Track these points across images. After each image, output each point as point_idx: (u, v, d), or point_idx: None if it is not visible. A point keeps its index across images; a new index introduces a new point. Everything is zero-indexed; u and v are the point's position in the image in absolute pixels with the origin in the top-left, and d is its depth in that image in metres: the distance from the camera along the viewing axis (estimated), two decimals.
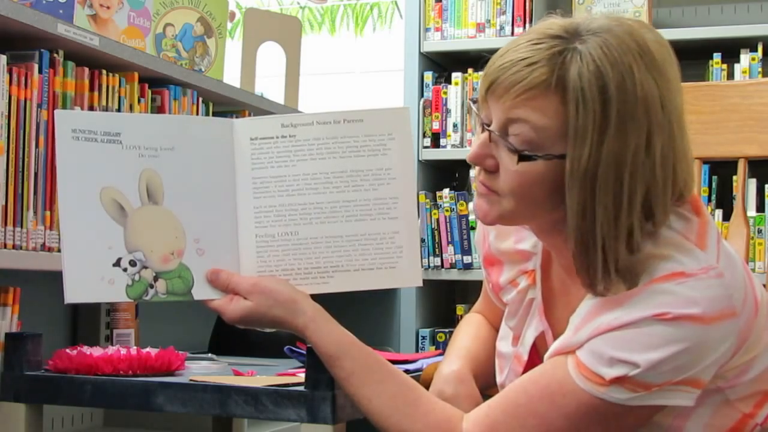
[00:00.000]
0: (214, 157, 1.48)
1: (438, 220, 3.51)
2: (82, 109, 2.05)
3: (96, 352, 1.71)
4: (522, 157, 1.26)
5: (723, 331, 1.23)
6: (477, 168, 1.33)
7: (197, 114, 2.47)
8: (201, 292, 1.47)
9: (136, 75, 2.24)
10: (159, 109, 2.35)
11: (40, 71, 1.95)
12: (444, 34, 3.61)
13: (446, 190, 3.53)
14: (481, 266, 1.55)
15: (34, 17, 1.94)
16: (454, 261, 3.49)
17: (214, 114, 2.59)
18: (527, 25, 3.52)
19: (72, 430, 2.39)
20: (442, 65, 3.72)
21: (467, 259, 3.48)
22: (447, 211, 3.50)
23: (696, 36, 3.37)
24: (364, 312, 3.42)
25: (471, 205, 3.42)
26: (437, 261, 3.50)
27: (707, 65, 3.41)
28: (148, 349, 1.74)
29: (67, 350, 1.71)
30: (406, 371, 1.58)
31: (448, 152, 3.56)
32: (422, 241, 3.50)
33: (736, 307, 1.24)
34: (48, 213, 1.96)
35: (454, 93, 3.58)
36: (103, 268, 1.43)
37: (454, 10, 3.61)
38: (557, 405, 1.27)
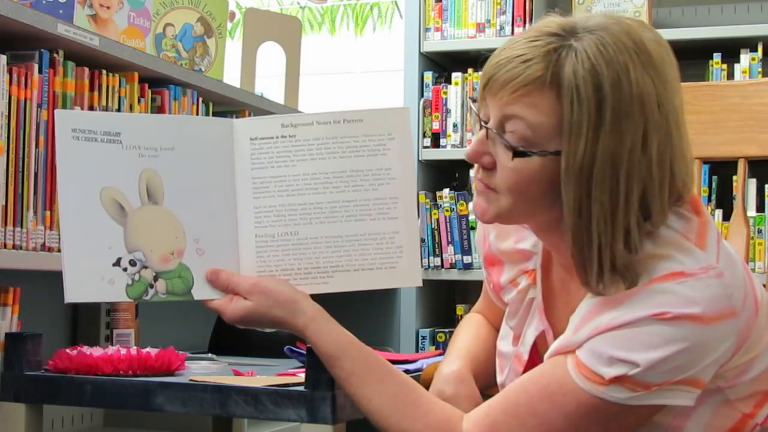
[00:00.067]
0: (214, 157, 1.48)
1: (438, 220, 3.51)
2: (82, 109, 2.05)
3: (96, 352, 1.71)
4: (517, 153, 1.27)
5: (723, 331, 1.23)
6: (476, 166, 1.34)
7: (197, 114, 2.47)
8: (201, 292, 1.47)
9: (136, 75, 2.24)
10: (159, 109, 2.35)
11: (40, 71, 1.95)
12: (444, 34, 3.61)
13: (446, 190, 3.53)
14: (482, 266, 1.55)
15: (34, 17, 1.94)
16: (454, 261, 3.49)
17: (214, 114, 2.59)
18: (527, 25, 3.51)
19: (72, 430, 2.39)
20: (442, 65, 3.72)
21: (467, 259, 3.48)
22: (447, 211, 3.50)
23: (696, 36, 3.37)
24: (364, 312, 3.42)
25: (471, 205, 3.42)
26: (437, 261, 3.50)
27: (707, 65, 3.41)
28: (148, 349, 1.74)
29: (67, 350, 1.71)
30: (406, 371, 1.58)
31: (448, 152, 3.56)
32: (422, 241, 3.50)
33: (735, 306, 1.24)
34: (48, 213, 1.96)
35: (454, 93, 3.58)
36: (103, 267, 1.43)
37: (454, 10, 3.61)
38: (557, 405, 1.27)
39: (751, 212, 3.25)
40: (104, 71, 2.13)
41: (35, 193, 1.94)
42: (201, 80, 2.49)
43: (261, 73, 2.93)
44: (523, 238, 1.46)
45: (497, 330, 1.56)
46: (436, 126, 3.58)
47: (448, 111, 3.58)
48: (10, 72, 1.88)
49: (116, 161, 1.44)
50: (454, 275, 3.51)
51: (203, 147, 1.48)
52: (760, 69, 3.33)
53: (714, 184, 3.33)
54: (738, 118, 1.80)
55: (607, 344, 1.23)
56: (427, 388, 1.46)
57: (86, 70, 2.08)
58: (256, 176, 1.48)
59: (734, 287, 1.25)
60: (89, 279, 1.42)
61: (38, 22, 1.94)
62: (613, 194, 1.24)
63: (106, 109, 2.12)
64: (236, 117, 2.58)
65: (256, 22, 2.94)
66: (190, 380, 1.61)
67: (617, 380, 1.22)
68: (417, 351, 3.46)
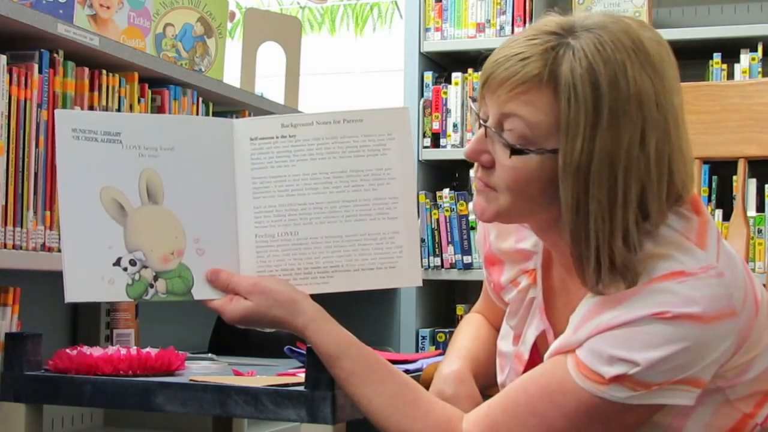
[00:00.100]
0: (214, 157, 1.48)
1: (438, 220, 3.51)
2: (82, 109, 2.05)
3: (96, 352, 1.71)
4: (514, 151, 1.27)
5: (723, 331, 1.23)
6: (475, 165, 1.34)
7: (197, 114, 2.47)
8: (201, 291, 1.47)
9: (136, 75, 2.24)
10: (159, 109, 2.35)
11: (40, 71, 1.95)
12: (444, 34, 3.61)
13: (446, 190, 3.53)
14: (482, 266, 1.55)
15: (34, 17, 1.94)
16: (454, 261, 3.49)
17: (214, 114, 2.59)
18: (527, 25, 3.52)
19: (72, 430, 2.38)
20: (442, 65, 3.72)
21: (467, 259, 3.48)
22: (447, 211, 3.50)
23: (696, 36, 3.37)
24: (364, 312, 3.42)
25: (471, 205, 3.42)
26: (437, 261, 3.50)
27: (707, 65, 3.41)
28: (148, 349, 1.74)
29: (67, 350, 1.71)
30: (406, 371, 1.58)
31: (448, 152, 3.56)
32: (422, 241, 3.50)
33: (736, 306, 1.24)
34: (48, 213, 1.96)
35: (454, 93, 3.58)
36: (104, 267, 1.43)
37: (454, 10, 3.61)
38: (557, 404, 1.27)
39: (751, 212, 3.25)
40: (104, 71, 2.13)
41: (35, 193, 1.94)
42: (201, 80, 2.49)
43: (261, 73, 2.93)
44: (524, 238, 1.46)
45: (497, 330, 1.56)
46: (436, 126, 3.58)
47: (448, 111, 3.58)
48: (10, 72, 1.88)
49: (116, 161, 1.44)
50: (454, 275, 3.51)
51: (203, 147, 1.48)
52: (760, 69, 3.33)
53: (714, 184, 3.33)
54: (738, 118, 1.80)
55: (607, 343, 1.23)
56: (427, 388, 1.46)
57: (86, 70, 2.09)
58: (256, 176, 1.48)
59: (734, 287, 1.25)
60: (89, 279, 1.42)
61: (38, 22, 1.94)
62: (610, 192, 1.24)
63: (106, 109, 2.12)
64: (236, 117, 2.58)
65: (256, 22, 2.94)
66: (190, 380, 1.61)
67: (617, 379, 1.22)
68: (417, 351, 3.46)
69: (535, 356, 1.42)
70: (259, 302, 1.43)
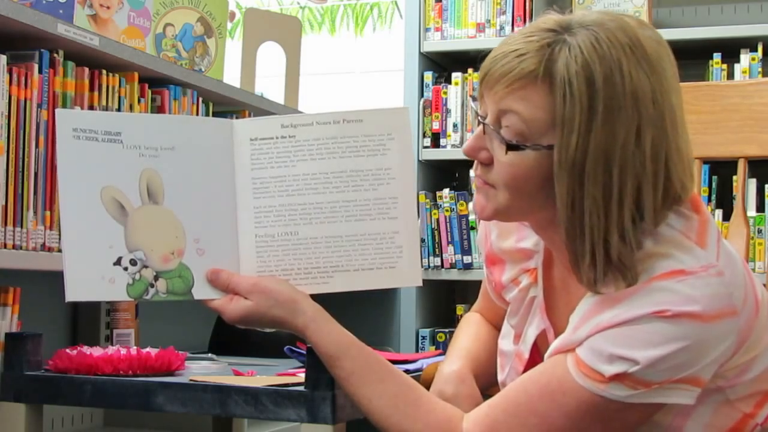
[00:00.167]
0: (214, 157, 1.48)
1: (438, 220, 3.51)
2: (82, 109, 2.05)
3: (96, 352, 1.71)
4: (510, 147, 1.27)
5: (723, 330, 1.23)
6: (475, 164, 1.34)
7: (197, 114, 2.47)
8: (201, 291, 1.47)
9: (136, 75, 2.24)
10: (159, 109, 2.35)
11: (40, 71, 1.95)
12: (444, 34, 3.62)
13: (446, 190, 3.53)
14: (483, 266, 1.56)
15: (34, 17, 1.94)
16: (454, 261, 3.49)
17: (214, 114, 2.59)
18: (527, 24, 3.51)
19: (72, 430, 2.39)
20: (442, 65, 3.72)
21: (467, 259, 3.48)
22: (447, 211, 3.50)
23: (696, 36, 3.38)
24: (364, 312, 3.42)
25: (471, 205, 3.42)
26: (437, 261, 3.50)
27: (707, 65, 3.41)
28: (148, 349, 1.74)
29: (67, 350, 1.71)
30: (406, 371, 1.58)
31: (448, 152, 3.56)
32: (422, 241, 3.50)
33: (736, 305, 1.24)
34: (48, 213, 1.96)
35: (454, 93, 3.58)
36: (104, 266, 1.43)
37: (454, 10, 3.61)
38: (557, 403, 1.27)
39: (751, 212, 3.25)
40: (104, 71, 2.13)
41: (35, 193, 1.94)
42: (201, 80, 2.49)
43: (261, 73, 2.93)
44: (525, 237, 1.46)
45: (496, 329, 1.56)
46: (436, 126, 3.58)
47: (448, 111, 3.58)
48: (10, 72, 1.88)
49: (117, 161, 1.44)
50: (454, 275, 3.51)
51: (203, 147, 1.48)
52: (760, 69, 3.33)
53: (714, 184, 3.33)
54: (738, 118, 1.80)
55: (607, 342, 1.23)
56: (427, 388, 1.46)
57: (86, 70, 2.09)
58: (256, 176, 1.48)
59: (735, 286, 1.25)
60: (90, 278, 1.42)
61: (38, 22, 1.94)
62: (605, 188, 1.24)
63: (106, 109, 2.12)
64: (236, 117, 2.59)
65: (256, 22, 2.94)
66: (190, 380, 1.61)
67: (617, 378, 1.22)
68: (417, 351, 3.46)
69: (536, 355, 1.42)
70: (259, 302, 1.43)
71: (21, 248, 1.90)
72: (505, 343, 1.49)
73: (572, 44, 1.25)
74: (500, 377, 1.48)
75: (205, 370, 1.82)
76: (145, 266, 1.45)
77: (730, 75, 3.37)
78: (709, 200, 3.32)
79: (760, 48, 3.33)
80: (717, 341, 1.23)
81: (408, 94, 3.61)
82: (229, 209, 1.48)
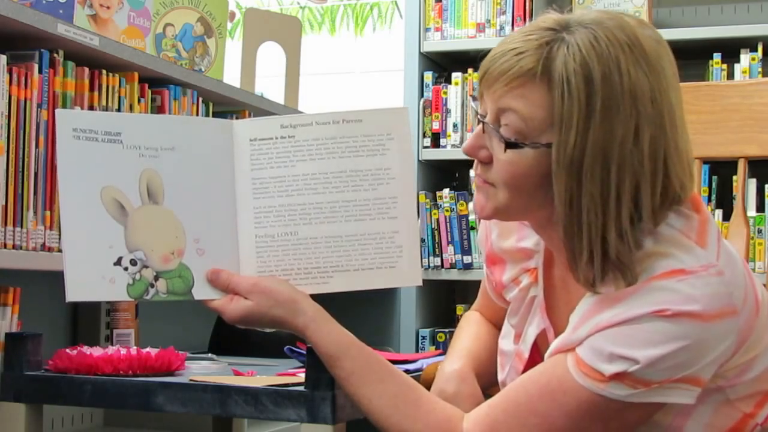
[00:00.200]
0: (214, 157, 1.48)
1: (438, 220, 3.51)
2: (82, 109, 2.05)
3: (96, 352, 1.71)
4: (509, 145, 1.27)
5: (723, 329, 1.23)
6: (475, 163, 1.34)
7: (197, 114, 2.47)
8: (201, 291, 1.47)
9: (136, 75, 2.24)
10: (159, 109, 2.35)
11: (40, 71, 1.96)
12: (444, 34, 3.61)
13: (446, 190, 3.53)
14: (484, 265, 1.56)
15: (34, 17, 1.94)
16: (454, 261, 3.49)
17: (214, 114, 2.59)
18: (527, 24, 3.51)
19: (72, 430, 2.39)
20: (442, 65, 3.72)
21: (467, 259, 3.48)
22: (447, 211, 3.50)
23: (696, 36, 3.38)
24: (364, 312, 3.42)
25: (471, 205, 3.42)
26: (437, 261, 3.50)
27: (707, 65, 3.41)
28: (148, 349, 1.74)
29: (67, 350, 1.71)
30: (406, 371, 1.58)
31: (448, 152, 3.56)
32: (422, 241, 3.50)
33: (736, 305, 1.24)
34: (48, 213, 1.96)
35: (454, 93, 3.58)
36: (104, 266, 1.43)
37: (454, 10, 3.61)
38: (558, 403, 1.27)
39: (751, 212, 3.25)
40: (104, 71, 2.13)
41: (35, 193, 1.94)
42: (201, 80, 2.49)
43: (261, 73, 2.93)
44: (525, 237, 1.46)
45: (496, 328, 1.56)
46: (436, 126, 3.58)
47: (448, 111, 3.58)
48: (10, 72, 1.88)
49: (117, 161, 1.45)
50: (454, 275, 3.51)
51: (203, 147, 1.48)
52: (760, 69, 3.33)
53: (714, 184, 3.33)
54: (738, 118, 1.80)
55: (607, 341, 1.23)
56: (428, 388, 1.46)
57: (86, 70, 2.09)
58: (255, 177, 1.48)
59: (735, 285, 1.25)
60: (90, 278, 1.42)
61: (38, 22, 1.94)
62: (603, 186, 1.24)
63: (106, 109, 2.12)
64: (236, 117, 2.59)
65: (256, 22, 2.94)
66: (190, 380, 1.61)
67: (617, 377, 1.22)
68: (417, 351, 3.46)
69: (536, 355, 1.42)
70: (259, 302, 1.43)
71: (21, 248, 1.90)
72: (506, 342, 1.49)
73: (571, 42, 1.25)
74: (500, 377, 1.48)
75: (205, 370, 1.82)
76: (146, 266, 1.45)
77: (730, 75, 3.37)
78: (709, 200, 3.32)
79: (760, 48, 3.33)
80: (717, 341, 1.23)
81: (408, 94, 3.61)
82: (229, 209, 1.48)
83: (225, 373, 1.77)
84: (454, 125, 3.57)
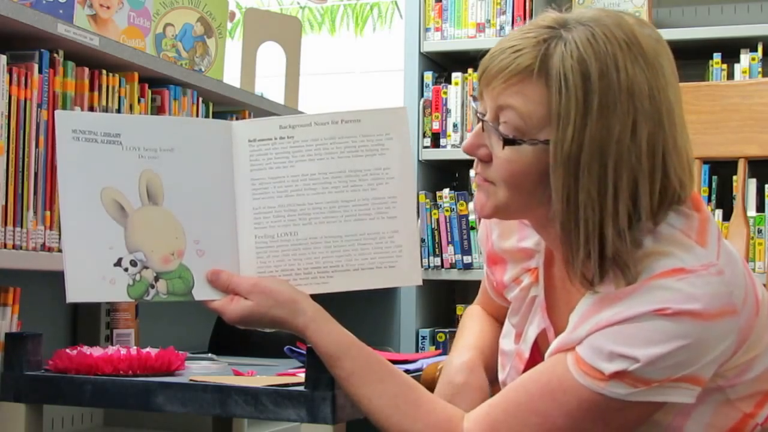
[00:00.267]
0: (213, 158, 1.48)
1: (438, 220, 3.51)
2: (82, 109, 2.05)
3: (96, 352, 1.71)
4: (507, 142, 1.27)
5: (723, 328, 1.23)
6: (475, 162, 1.34)
7: (197, 114, 2.47)
8: (201, 292, 1.47)
9: (136, 75, 2.24)
10: (159, 109, 2.35)
11: (40, 71, 1.96)
12: (444, 34, 3.61)
13: (446, 190, 3.53)
14: (484, 265, 1.56)
15: (34, 17, 1.94)
16: (454, 261, 3.49)
17: (214, 114, 2.59)
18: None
19: (72, 430, 2.39)
20: (442, 65, 3.72)
21: (467, 259, 3.48)
22: (447, 211, 3.50)
23: (696, 36, 3.37)
24: (364, 312, 3.42)
25: (471, 205, 3.42)
26: (437, 261, 3.50)
27: (707, 65, 3.41)
28: (148, 349, 1.74)
29: (67, 350, 1.71)
30: (406, 371, 1.58)
31: (448, 152, 3.56)
32: (422, 241, 3.50)
33: (736, 304, 1.24)
34: (48, 213, 1.96)
35: (454, 93, 3.58)
36: (105, 267, 1.43)
37: (454, 10, 3.61)
38: (558, 402, 1.27)
39: (751, 212, 3.25)
40: (104, 71, 2.13)
41: (35, 193, 1.94)
42: (201, 80, 2.49)
43: (261, 73, 2.93)
44: (526, 237, 1.46)
45: (499, 322, 1.57)
46: (436, 126, 3.58)
47: (448, 111, 3.58)
48: (10, 72, 1.88)
49: (116, 162, 1.45)
50: (454, 275, 3.51)
51: (202, 148, 1.48)
52: (760, 69, 3.33)
53: (714, 184, 3.33)
54: (738, 118, 1.80)
55: (607, 340, 1.23)
56: (427, 388, 1.46)
57: (86, 70, 2.09)
58: (255, 177, 1.48)
59: (735, 285, 1.25)
60: (91, 279, 1.43)
61: (38, 22, 1.94)
62: (600, 183, 1.24)
63: (106, 109, 2.12)
64: (236, 117, 2.60)
65: (256, 22, 2.94)
66: (190, 380, 1.61)
67: (617, 375, 1.22)
68: (417, 351, 3.46)
69: (536, 354, 1.42)
70: (259, 302, 1.43)
71: (21, 248, 1.90)
72: (506, 342, 1.49)
73: (568, 40, 1.26)
74: (501, 377, 1.48)
75: (205, 370, 1.82)
76: (146, 267, 1.45)
77: (730, 75, 3.37)
78: (709, 200, 3.32)
79: (760, 48, 3.33)
80: (717, 340, 1.23)
81: (408, 94, 3.61)
82: (229, 210, 1.48)
83: (225, 373, 1.77)
84: (454, 125, 3.57)
